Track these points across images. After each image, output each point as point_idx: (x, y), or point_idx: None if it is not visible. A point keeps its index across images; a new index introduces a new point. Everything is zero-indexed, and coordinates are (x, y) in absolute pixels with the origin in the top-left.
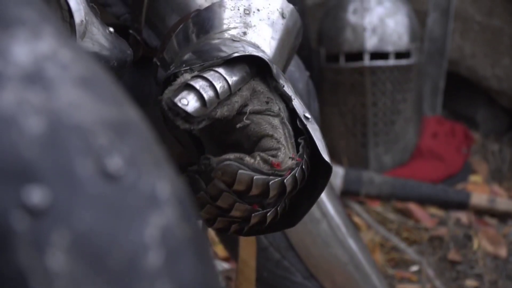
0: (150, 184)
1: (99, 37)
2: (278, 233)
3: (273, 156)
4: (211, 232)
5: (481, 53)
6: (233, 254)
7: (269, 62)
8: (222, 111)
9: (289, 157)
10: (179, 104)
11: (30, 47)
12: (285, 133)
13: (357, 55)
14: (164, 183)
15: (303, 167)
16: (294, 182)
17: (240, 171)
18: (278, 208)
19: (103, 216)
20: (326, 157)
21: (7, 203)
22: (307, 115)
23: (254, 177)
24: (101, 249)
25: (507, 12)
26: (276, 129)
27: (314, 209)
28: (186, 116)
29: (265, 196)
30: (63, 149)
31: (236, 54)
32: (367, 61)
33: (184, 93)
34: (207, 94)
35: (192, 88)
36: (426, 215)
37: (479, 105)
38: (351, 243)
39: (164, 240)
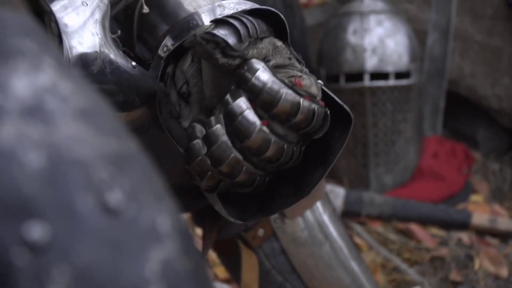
0: (150, 218)
1: (117, 69)
2: (281, 256)
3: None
4: (212, 254)
5: (481, 73)
6: (235, 277)
7: (285, 21)
8: (252, 52)
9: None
10: (219, 34)
11: (30, 80)
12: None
13: (357, 76)
14: (164, 217)
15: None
16: (318, 119)
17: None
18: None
19: (104, 251)
20: (346, 108)
21: (8, 239)
22: (319, 81)
23: (285, 92)
24: (102, 285)
25: (506, 32)
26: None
27: (316, 231)
28: (225, 47)
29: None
30: (64, 184)
31: (256, 6)
32: (367, 82)
33: (220, 27)
34: (242, 29)
35: (225, 24)
36: (427, 236)
37: (479, 125)
38: (354, 265)
39: (164, 274)
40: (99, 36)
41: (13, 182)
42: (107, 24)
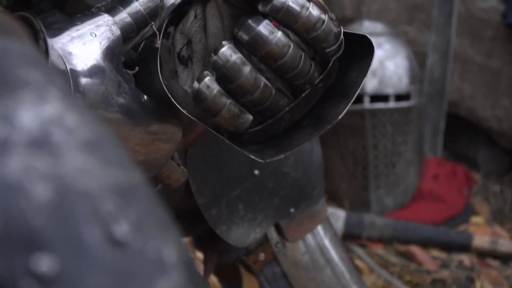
0: (157, 249)
1: (124, 101)
2: (282, 281)
3: None
4: (213, 279)
5: (480, 94)
6: None
7: None
8: None
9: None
10: None
11: (36, 112)
12: None
13: (357, 98)
14: (170, 248)
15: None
16: (329, 31)
17: None
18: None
19: (111, 282)
20: (367, 36)
21: (16, 271)
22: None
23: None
24: None
25: (506, 53)
26: None
27: (318, 255)
28: None
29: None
30: (71, 216)
31: None
32: (367, 104)
33: None
34: None
35: None
36: (428, 258)
37: (479, 146)
38: None
39: None
40: (106, 67)
41: (21, 214)
42: (117, 57)
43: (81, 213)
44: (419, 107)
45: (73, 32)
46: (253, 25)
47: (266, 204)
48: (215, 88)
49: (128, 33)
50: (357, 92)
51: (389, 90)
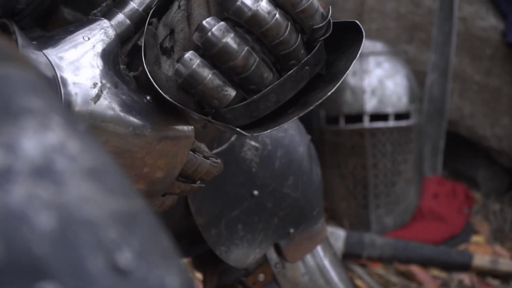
0: (160, 277)
1: (122, 102)
2: None
3: None
4: None
5: (480, 113)
6: None
7: None
8: None
9: None
10: None
11: (39, 139)
12: None
13: (357, 117)
14: (173, 275)
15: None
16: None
17: None
18: None
19: None
20: (356, 22)
21: None
22: None
23: None
24: None
25: (505, 72)
26: None
27: (317, 276)
28: None
29: None
30: (74, 244)
31: None
32: (367, 123)
33: None
34: None
35: None
36: (428, 277)
37: (479, 165)
38: None
39: None
40: (100, 68)
41: (25, 243)
42: (114, 59)
43: (85, 242)
44: (419, 126)
45: (65, 38)
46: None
47: (266, 224)
48: (198, 59)
49: (126, 33)
50: (345, 75)
51: (389, 109)
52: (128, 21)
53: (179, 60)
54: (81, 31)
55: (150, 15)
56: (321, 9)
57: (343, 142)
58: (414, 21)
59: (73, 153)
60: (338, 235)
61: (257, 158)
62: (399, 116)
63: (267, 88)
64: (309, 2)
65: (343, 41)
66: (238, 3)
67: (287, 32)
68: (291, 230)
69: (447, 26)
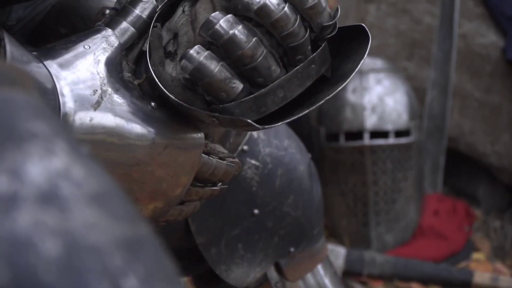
0: None
1: (124, 109)
2: None
3: None
4: None
5: (480, 130)
6: None
7: None
8: None
9: None
10: None
11: (44, 165)
12: None
13: (357, 134)
14: None
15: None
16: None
17: None
18: None
19: None
20: (363, 26)
21: None
22: None
23: None
24: None
25: (505, 89)
26: None
27: None
28: None
29: None
30: (80, 271)
31: None
32: (367, 140)
33: None
34: None
35: None
36: None
37: (479, 182)
38: None
39: None
40: (101, 75)
41: (31, 269)
42: (116, 66)
43: (90, 268)
44: (419, 143)
45: (66, 48)
46: None
47: (266, 243)
48: (205, 52)
49: (130, 40)
50: (353, 74)
51: (389, 126)
52: (131, 28)
53: (184, 56)
54: (82, 40)
55: (154, 19)
56: (328, 9)
57: (343, 159)
58: (414, 38)
59: (78, 178)
60: (338, 253)
61: (258, 176)
62: (399, 133)
63: (275, 82)
64: (317, 0)
65: (348, 46)
66: None
67: (296, 25)
68: (292, 249)
69: (447, 43)
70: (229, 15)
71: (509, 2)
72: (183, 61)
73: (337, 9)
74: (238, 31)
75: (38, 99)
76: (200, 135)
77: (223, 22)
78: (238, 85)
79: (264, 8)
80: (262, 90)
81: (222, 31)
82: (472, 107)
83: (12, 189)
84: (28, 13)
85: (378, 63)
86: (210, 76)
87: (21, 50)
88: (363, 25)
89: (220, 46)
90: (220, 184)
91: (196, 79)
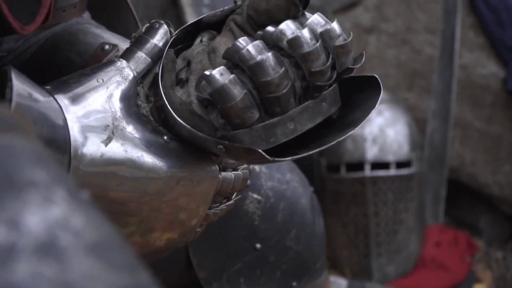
0: None
1: (136, 143)
2: None
3: None
4: None
5: (481, 160)
6: None
7: None
8: None
9: None
10: None
11: (42, 214)
12: None
13: (358, 165)
14: None
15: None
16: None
17: None
18: None
19: None
20: (376, 76)
21: None
22: None
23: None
24: None
25: (506, 119)
26: None
27: None
28: None
29: None
30: None
31: None
32: (368, 172)
33: None
34: None
35: None
36: None
37: (481, 212)
38: None
39: None
40: (113, 110)
41: None
42: (129, 100)
43: None
44: (420, 174)
45: (79, 81)
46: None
47: (268, 278)
48: (230, 75)
49: (145, 69)
50: (362, 123)
51: (390, 158)
52: (147, 58)
53: (204, 76)
54: (95, 73)
55: (169, 44)
56: (352, 52)
57: (344, 190)
58: (415, 69)
59: (77, 227)
60: (339, 284)
61: (260, 211)
62: (400, 165)
63: (286, 114)
64: (347, 40)
65: (358, 96)
66: (280, 29)
67: (326, 65)
68: (294, 284)
69: (447, 74)
70: (259, 41)
71: (510, 33)
72: (203, 82)
73: (362, 54)
74: (268, 57)
75: (38, 144)
76: (215, 167)
77: (252, 47)
78: (255, 115)
79: (297, 39)
80: (273, 119)
81: (250, 54)
82: (473, 138)
83: (11, 240)
84: (20, 44)
85: None
86: (232, 102)
87: (30, 87)
88: (376, 76)
89: (247, 68)
90: (234, 195)
91: (216, 102)
